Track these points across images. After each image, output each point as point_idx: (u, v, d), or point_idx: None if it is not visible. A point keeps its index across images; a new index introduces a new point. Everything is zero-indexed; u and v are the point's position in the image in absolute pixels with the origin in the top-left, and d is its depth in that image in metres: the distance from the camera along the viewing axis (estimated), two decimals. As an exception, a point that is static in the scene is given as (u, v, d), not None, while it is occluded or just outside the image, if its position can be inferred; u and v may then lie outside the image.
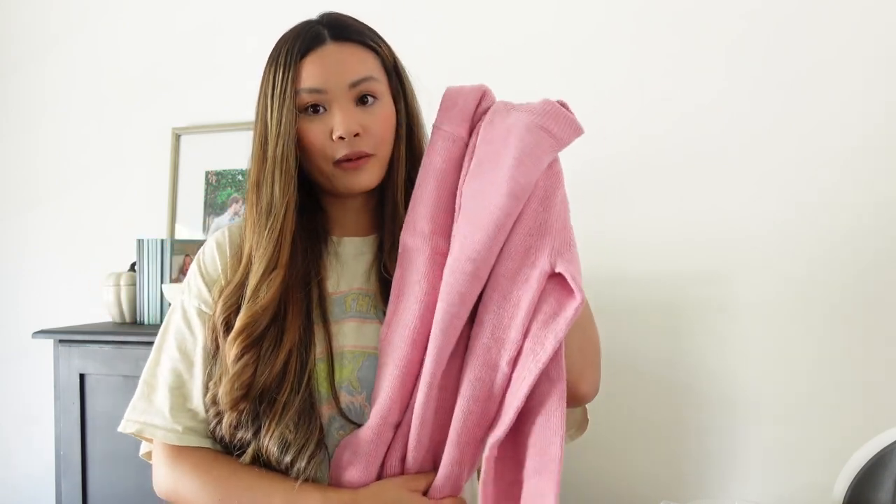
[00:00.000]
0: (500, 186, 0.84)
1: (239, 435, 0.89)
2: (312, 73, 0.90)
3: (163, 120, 2.07)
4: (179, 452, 0.92)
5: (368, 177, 0.94)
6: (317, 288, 0.94)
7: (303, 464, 0.85)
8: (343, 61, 0.92)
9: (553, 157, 0.88)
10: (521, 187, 0.84)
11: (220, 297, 0.93)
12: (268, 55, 0.95)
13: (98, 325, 1.81)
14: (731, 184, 1.57)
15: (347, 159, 0.92)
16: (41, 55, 2.23)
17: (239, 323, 0.89)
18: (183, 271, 1.78)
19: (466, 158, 0.90)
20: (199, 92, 2.05)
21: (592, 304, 0.92)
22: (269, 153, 0.91)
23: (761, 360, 1.55)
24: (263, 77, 0.94)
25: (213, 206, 2.02)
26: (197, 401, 0.93)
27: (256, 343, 0.88)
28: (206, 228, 2.01)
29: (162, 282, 1.77)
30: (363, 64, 0.93)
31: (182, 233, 2.04)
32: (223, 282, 0.95)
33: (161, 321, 1.58)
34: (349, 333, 0.93)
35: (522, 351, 0.82)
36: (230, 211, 2.00)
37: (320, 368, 0.90)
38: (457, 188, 0.90)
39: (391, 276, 0.91)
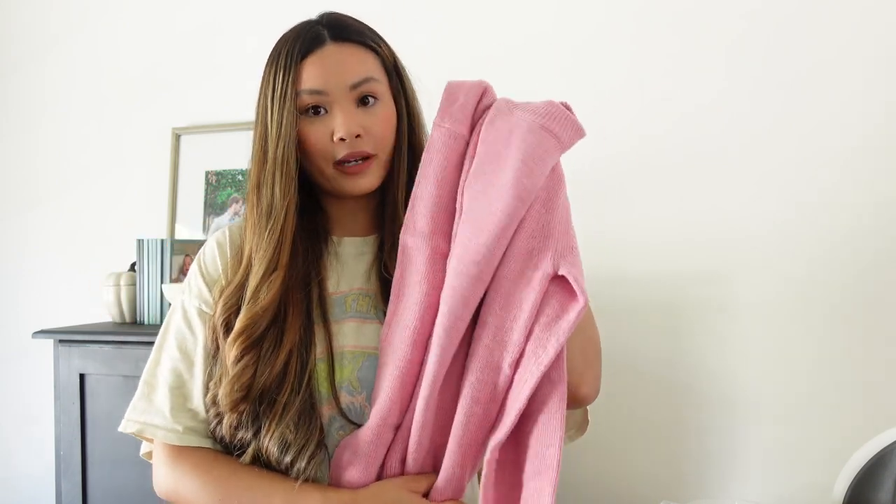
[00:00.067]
0: (504, 189, 0.83)
1: (239, 435, 0.89)
2: (313, 74, 0.90)
3: (163, 120, 2.07)
4: (180, 452, 0.92)
5: (369, 180, 0.94)
6: (317, 288, 0.94)
7: (303, 464, 0.85)
8: (343, 62, 0.91)
9: (556, 160, 0.88)
10: (526, 190, 0.83)
11: (220, 297, 0.93)
12: (268, 55, 0.94)
13: (98, 325, 1.81)
14: (731, 184, 1.57)
15: (348, 160, 0.92)
16: (41, 55, 2.23)
17: (239, 324, 0.89)
18: (183, 271, 1.78)
19: (467, 157, 0.90)
20: (199, 92, 2.05)
21: (592, 304, 0.92)
22: (270, 155, 0.91)
23: (761, 360, 1.55)
24: (263, 78, 0.94)
25: (213, 206, 2.02)
26: (197, 401, 0.93)
27: (256, 344, 0.88)
28: (206, 228, 2.01)
29: (162, 282, 1.77)
30: (363, 65, 0.93)
31: (182, 233, 2.04)
32: (223, 282, 0.95)
33: (161, 321, 1.59)
34: (349, 333, 0.93)
35: (524, 353, 0.82)
36: (230, 211, 2.00)
37: (320, 369, 0.90)
38: (457, 187, 0.89)
39: (392, 277, 0.91)
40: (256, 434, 0.88)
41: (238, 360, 0.88)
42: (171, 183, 2.06)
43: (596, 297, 0.87)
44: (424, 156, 0.91)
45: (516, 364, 0.83)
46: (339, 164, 0.92)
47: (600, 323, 0.95)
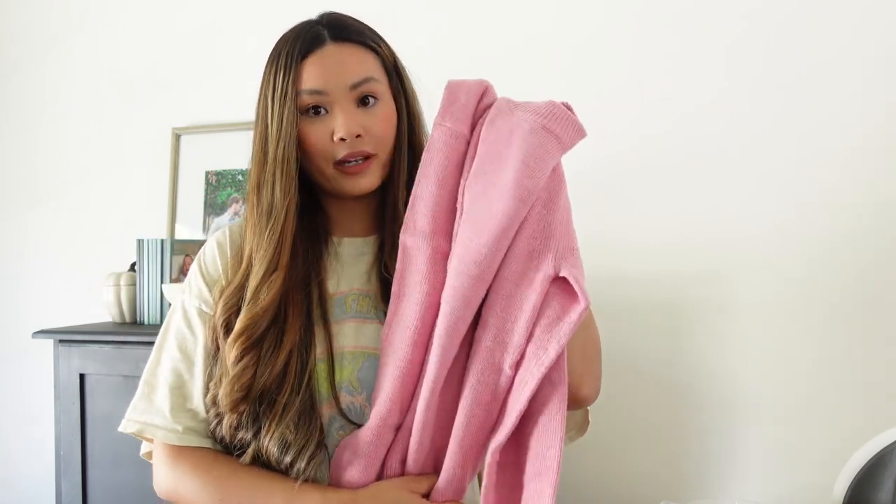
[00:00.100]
0: (505, 190, 0.83)
1: (239, 435, 0.89)
2: (313, 74, 0.90)
3: (163, 120, 2.07)
4: (180, 452, 0.92)
5: (369, 180, 0.94)
6: (317, 289, 0.94)
7: (302, 464, 0.85)
8: (343, 62, 0.91)
9: (557, 160, 0.88)
10: (527, 191, 0.83)
11: (220, 297, 0.93)
12: (268, 55, 0.94)
13: (98, 325, 1.81)
14: (731, 184, 1.57)
15: (348, 160, 0.92)
16: (41, 55, 2.23)
17: (239, 325, 0.89)
18: (183, 271, 1.78)
19: (468, 157, 0.89)
20: (199, 92, 2.05)
21: (592, 304, 0.92)
22: (270, 155, 0.91)
23: (761, 361, 1.55)
24: (264, 78, 0.94)
25: (213, 206, 2.02)
26: (197, 401, 0.93)
27: (257, 345, 0.88)
28: (206, 228, 2.01)
29: (162, 282, 1.77)
30: (363, 65, 0.93)
31: (182, 233, 2.04)
32: (224, 282, 0.95)
33: (161, 321, 1.59)
34: (349, 334, 0.93)
35: (525, 354, 0.82)
36: (230, 211, 2.00)
37: (320, 369, 0.90)
38: (458, 187, 0.89)
39: (392, 277, 0.91)
40: (256, 434, 0.88)
41: (238, 360, 0.88)
42: (171, 183, 2.06)
43: (596, 297, 0.87)
44: (425, 155, 0.90)
45: (517, 365, 0.83)
46: (340, 163, 0.92)
47: (600, 323, 0.95)
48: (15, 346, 2.16)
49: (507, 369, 0.83)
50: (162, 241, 1.78)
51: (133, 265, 1.82)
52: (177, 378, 0.94)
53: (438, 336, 0.84)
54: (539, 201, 0.86)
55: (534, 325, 0.82)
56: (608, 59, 1.68)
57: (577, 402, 0.91)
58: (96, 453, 1.66)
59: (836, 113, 1.51)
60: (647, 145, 1.64)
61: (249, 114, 0.98)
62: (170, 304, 1.64)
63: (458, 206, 0.88)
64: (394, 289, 0.89)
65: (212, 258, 0.99)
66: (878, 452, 1.08)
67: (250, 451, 0.88)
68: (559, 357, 0.81)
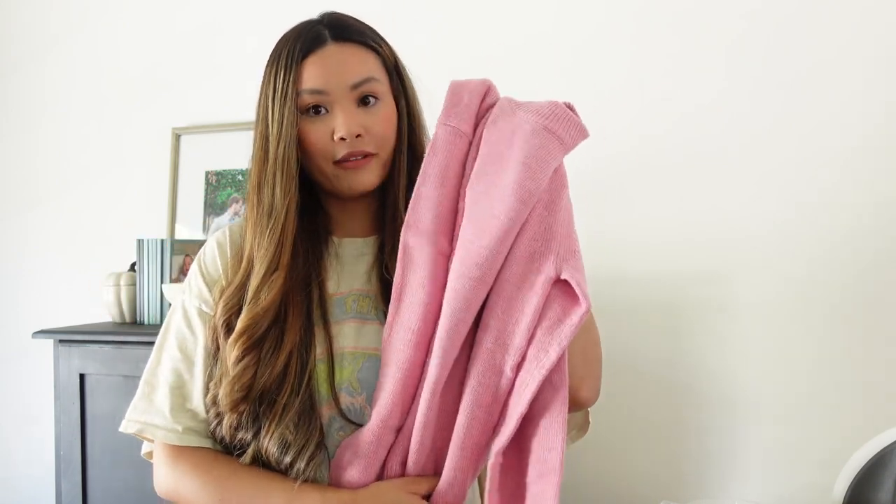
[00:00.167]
0: (507, 191, 0.83)
1: (239, 436, 0.89)
2: (314, 74, 0.90)
3: (163, 120, 2.07)
4: (180, 452, 0.92)
5: (370, 176, 0.94)
6: (317, 289, 0.94)
7: (302, 464, 0.85)
8: (344, 62, 0.91)
9: (558, 161, 0.88)
10: (528, 193, 0.83)
11: (220, 298, 0.93)
12: (268, 55, 0.94)
13: (98, 325, 1.81)
14: (731, 184, 1.57)
15: (348, 158, 0.92)
16: (41, 55, 2.23)
17: (240, 325, 0.89)
18: (183, 271, 1.78)
19: (470, 157, 0.89)
20: (199, 92, 2.05)
21: (592, 304, 0.92)
22: (271, 154, 0.91)
23: (761, 360, 1.55)
24: (264, 77, 0.94)
25: (213, 206, 2.02)
26: (197, 401, 0.93)
27: (257, 345, 0.88)
28: (206, 228, 2.01)
29: (162, 282, 1.77)
30: (364, 65, 0.93)
31: (182, 233, 2.04)
32: (224, 282, 0.95)
33: (161, 321, 1.59)
34: (349, 335, 0.93)
35: (526, 356, 0.82)
36: (230, 211, 2.00)
37: (320, 369, 0.90)
38: (460, 186, 0.89)
39: (392, 278, 0.91)
40: (256, 434, 0.88)
41: (239, 360, 0.88)
42: (171, 183, 2.06)
43: (596, 297, 0.87)
44: (428, 154, 0.90)
45: (518, 367, 0.82)
46: (339, 162, 0.92)
47: (600, 323, 0.95)
48: (15, 346, 2.16)
49: (507, 371, 0.83)
50: (162, 241, 1.78)
51: (133, 265, 1.82)
52: (177, 378, 0.94)
53: (439, 338, 0.84)
54: (540, 203, 0.86)
55: (535, 328, 0.82)
56: (608, 59, 1.68)
57: (576, 405, 0.91)
58: (96, 453, 1.66)
59: (836, 113, 1.51)
60: (647, 145, 1.64)
61: (249, 114, 0.98)
62: (170, 304, 1.64)
63: (460, 206, 0.88)
64: (394, 289, 0.89)
65: (212, 258, 0.99)
66: (878, 452, 1.08)
67: (250, 451, 0.88)
68: (560, 359, 0.81)
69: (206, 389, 0.92)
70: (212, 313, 0.94)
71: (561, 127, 0.86)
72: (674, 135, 1.62)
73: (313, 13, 0.97)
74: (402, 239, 0.89)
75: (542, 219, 0.85)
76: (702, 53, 1.60)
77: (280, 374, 0.88)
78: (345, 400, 0.90)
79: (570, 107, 0.88)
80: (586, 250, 0.88)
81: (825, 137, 1.51)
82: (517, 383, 0.82)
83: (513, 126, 0.87)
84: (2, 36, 2.28)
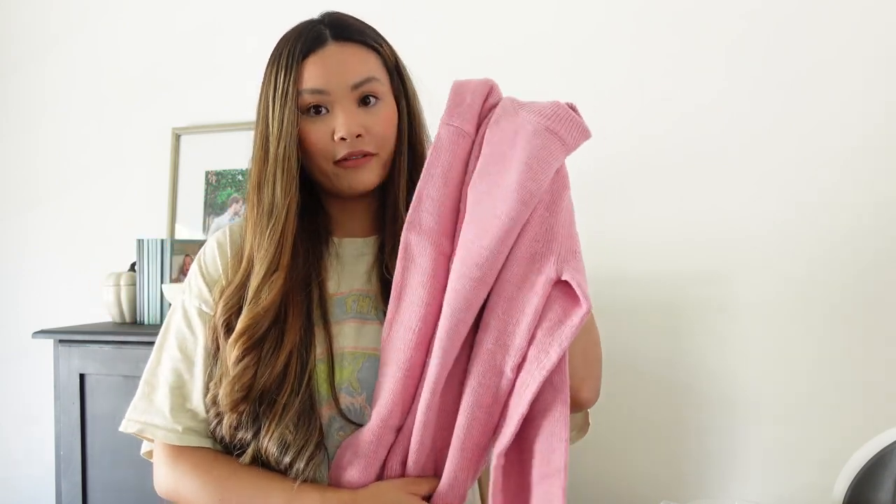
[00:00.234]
0: (509, 191, 0.83)
1: (239, 435, 0.89)
2: (314, 73, 0.90)
3: (163, 120, 2.07)
4: (180, 452, 0.92)
5: (370, 175, 0.94)
6: (317, 289, 0.93)
7: (301, 464, 0.85)
8: (345, 62, 0.91)
9: (560, 162, 0.88)
10: (530, 194, 0.83)
11: (220, 298, 0.93)
12: (269, 55, 0.94)
13: (98, 325, 1.81)
14: (731, 184, 1.57)
15: (348, 158, 0.92)
16: (41, 55, 2.23)
17: (240, 325, 0.89)
18: (183, 271, 1.78)
19: (472, 157, 0.89)
20: (199, 92, 2.05)
21: (593, 304, 0.92)
22: (271, 154, 0.91)
23: (761, 360, 1.55)
24: (265, 77, 0.94)
25: (213, 206, 2.02)
26: (197, 401, 0.93)
27: (257, 345, 0.88)
28: (206, 228, 2.01)
29: (162, 282, 1.77)
30: (365, 64, 0.93)
31: (182, 233, 2.04)
32: (224, 282, 0.95)
33: (161, 321, 1.59)
34: (349, 334, 0.93)
35: (527, 357, 0.82)
36: (230, 211, 2.00)
37: (320, 369, 0.90)
38: (462, 186, 0.89)
39: (392, 278, 0.90)
40: (256, 434, 0.88)
41: (239, 360, 0.88)
42: (171, 183, 2.06)
43: (596, 297, 0.87)
44: (431, 154, 0.90)
45: (519, 368, 0.82)
46: (339, 161, 0.92)
47: (600, 323, 0.95)
48: (15, 346, 2.16)
49: (508, 372, 0.83)
50: (162, 241, 1.78)
51: (133, 265, 1.82)
52: (177, 378, 0.94)
53: (439, 338, 0.84)
54: (542, 203, 0.85)
55: (535, 328, 0.82)
56: (608, 59, 1.68)
57: (577, 405, 0.91)
58: (96, 453, 1.66)
59: (836, 113, 1.51)
60: (647, 145, 1.64)
61: (249, 114, 0.98)
62: (170, 304, 1.64)
63: (462, 206, 0.88)
64: (394, 288, 0.89)
65: (212, 258, 0.99)
66: (878, 452, 1.08)
67: (250, 451, 0.88)
68: (561, 360, 0.81)
69: (206, 389, 0.92)
70: (212, 313, 0.94)
71: (563, 128, 0.86)
72: (674, 135, 1.62)
73: (314, 13, 0.97)
74: (402, 238, 0.89)
75: (543, 220, 0.85)
76: (702, 53, 1.60)
77: (280, 374, 0.88)
78: (345, 400, 0.90)
79: (572, 107, 0.88)
80: (586, 250, 0.88)
81: (825, 137, 1.51)
82: (518, 384, 0.82)
83: (515, 126, 0.87)
84: (2, 36, 2.28)
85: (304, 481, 0.86)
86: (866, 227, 1.48)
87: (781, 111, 1.54)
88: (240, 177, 1.99)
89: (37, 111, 2.23)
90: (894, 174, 1.47)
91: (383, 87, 0.94)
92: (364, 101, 0.92)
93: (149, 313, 1.78)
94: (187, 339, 0.96)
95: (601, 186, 1.64)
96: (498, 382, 0.83)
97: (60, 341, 1.69)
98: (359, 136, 0.91)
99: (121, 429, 0.96)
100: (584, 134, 0.88)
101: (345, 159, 0.92)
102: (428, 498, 0.86)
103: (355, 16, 0.97)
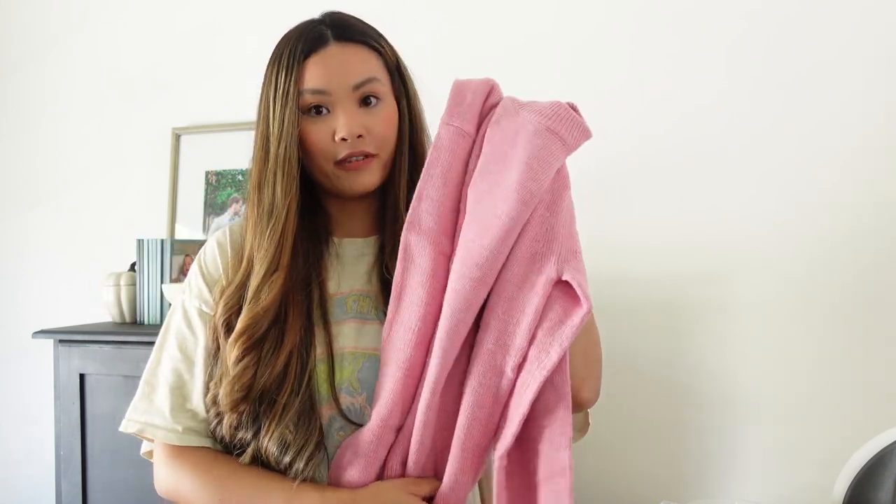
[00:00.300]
0: (509, 191, 0.83)
1: (239, 435, 0.89)
2: (315, 74, 0.90)
3: (163, 120, 2.07)
4: (180, 452, 0.92)
5: (370, 177, 0.93)
6: (318, 289, 0.93)
7: (301, 464, 0.85)
8: (346, 62, 0.91)
9: (561, 162, 0.88)
10: (530, 194, 0.83)
11: (220, 297, 0.93)
12: (270, 54, 0.94)
13: (98, 325, 1.81)
14: (731, 184, 1.57)
15: (349, 159, 0.92)
16: (41, 55, 2.23)
17: (240, 325, 0.89)
18: (183, 271, 1.78)
19: (473, 156, 0.89)
20: (199, 92, 2.05)
21: (593, 304, 0.92)
22: (272, 154, 0.91)
23: (761, 360, 1.55)
24: (266, 77, 0.94)
25: (213, 206, 2.02)
26: (197, 401, 0.93)
27: (257, 345, 0.88)
28: (206, 228, 2.01)
29: (162, 282, 1.77)
30: (366, 65, 0.92)
31: (182, 233, 2.04)
32: (224, 282, 0.95)
33: (161, 321, 1.59)
34: (349, 335, 0.93)
35: (527, 357, 0.82)
36: (230, 211, 2.00)
37: (320, 370, 0.90)
38: (462, 186, 0.89)
39: (393, 278, 0.90)
40: (256, 434, 0.88)
41: (239, 360, 0.88)
42: (171, 183, 2.06)
43: (596, 297, 0.87)
44: (432, 153, 0.90)
45: (519, 368, 0.82)
46: (340, 162, 0.92)
47: (600, 323, 0.95)
48: (15, 346, 2.16)
49: (508, 372, 0.83)
50: (162, 241, 1.78)
51: (133, 265, 1.82)
52: (177, 378, 0.94)
53: (439, 338, 0.84)
54: (542, 203, 0.85)
55: (536, 328, 0.82)
56: (608, 59, 1.68)
57: (577, 406, 0.91)
58: (96, 453, 1.66)
59: (836, 113, 1.51)
60: (647, 145, 1.64)
61: (249, 114, 0.98)
62: (170, 304, 1.64)
63: (462, 206, 0.88)
64: (394, 288, 0.89)
65: (212, 258, 0.99)
66: (878, 452, 1.08)
67: (250, 450, 0.88)
68: (561, 360, 0.81)
69: (207, 389, 0.92)
70: (212, 313, 0.94)
71: (564, 128, 0.86)
72: (674, 135, 1.62)
73: (314, 13, 0.97)
74: (403, 238, 0.89)
75: (543, 220, 0.85)
76: (702, 53, 1.60)
77: (280, 374, 0.88)
78: (345, 400, 0.90)
79: (573, 107, 0.88)
80: (587, 250, 0.88)
81: (825, 137, 1.51)
82: (518, 384, 0.82)
83: (516, 126, 0.87)
84: (2, 36, 2.28)
85: (304, 481, 0.86)
86: (866, 227, 1.48)
87: (781, 111, 1.54)
88: (240, 177, 1.99)
89: (37, 111, 2.23)
90: (894, 174, 1.47)
91: (384, 87, 0.94)
92: (365, 101, 0.92)
93: (149, 313, 1.78)
94: (187, 339, 0.96)
95: (601, 186, 1.64)
96: (498, 382, 0.83)
97: (60, 341, 1.69)
98: (360, 136, 0.91)
99: (121, 429, 0.96)
100: (585, 134, 0.88)
101: (346, 161, 0.92)
102: (428, 499, 0.86)
103: (356, 16, 0.97)
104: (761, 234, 1.55)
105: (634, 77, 1.65)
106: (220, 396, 0.88)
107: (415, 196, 0.89)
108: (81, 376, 1.66)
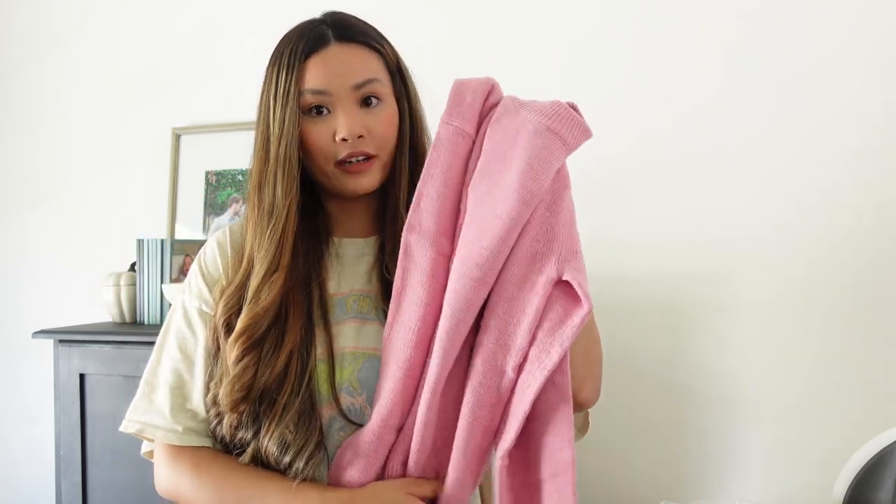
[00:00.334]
0: (509, 191, 0.83)
1: (239, 435, 0.89)
2: (316, 74, 0.90)
3: (163, 120, 2.07)
4: (180, 452, 0.92)
5: (370, 179, 0.94)
6: (318, 289, 0.93)
7: (301, 464, 0.85)
8: (347, 63, 0.91)
9: (561, 162, 0.88)
10: (531, 194, 0.83)
11: (220, 297, 0.93)
12: (270, 54, 0.94)
13: (98, 325, 1.81)
14: (731, 184, 1.57)
15: (349, 160, 0.92)
16: (41, 55, 2.23)
17: (240, 324, 0.89)
18: (183, 271, 1.78)
19: (473, 156, 0.89)
20: (199, 92, 2.05)
21: (593, 304, 0.92)
22: (272, 154, 0.91)
23: (761, 360, 1.55)
24: (266, 77, 0.94)
25: (213, 206, 2.02)
26: (197, 401, 0.93)
27: (257, 345, 0.88)
28: (206, 228, 2.01)
29: (162, 282, 1.77)
30: (367, 65, 0.92)
31: (182, 233, 2.04)
32: (224, 282, 0.95)
33: (161, 321, 1.59)
34: (350, 335, 0.93)
35: (528, 357, 0.82)
36: (230, 211, 2.00)
37: (321, 370, 0.90)
38: (462, 186, 0.89)
39: (393, 278, 0.90)
40: (256, 434, 0.88)
41: (239, 360, 0.88)
42: (171, 183, 2.06)
43: (596, 297, 0.87)
44: (431, 153, 0.90)
45: (520, 368, 0.82)
46: (341, 163, 0.92)
47: (600, 323, 0.95)
48: (15, 346, 2.16)
49: (509, 371, 0.83)
50: (162, 241, 1.78)
51: (133, 265, 1.82)
52: (177, 378, 0.94)
53: (440, 338, 0.84)
54: (542, 203, 0.85)
55: (536, 329, 0.82)
56: (608, 59, 1.68)
57: (577, 405, 0.91)
58: (96, 453, 1.66)
59: (836, 113, 1.51)
60: (647, 145, 1.64)
61: (249, 114, 0.98)
62: (170, 304, 1.64)
63: (462, 206, 0.88)
64: (395, 288, 0.89)
65: (212, 258, 0.98)
66: (878, 452, 1.08)
67: (250, 450, 0.88)
68: (562, 360, 0.81)
69: (207, 389, 0.92)
70: (212, 313, 0.94)
71: (564, 127, 0.86)
72: (674, 135, 1.62)
73: (314, 13, 0.97)
74: (403, 239, 0.89)
75: (544, 219, 0.85)
76: (702, 53, 1.60)
77: (280, 374, 0.88)
78: (345, 400, 0.90)
79: (573, 107, 0.88)
80: (587, 250, 0.88)
81: (825, 137, 1.51)
82: (519, 384, 0.82)
83: (516, 125, 0.87)
84: (2, 36, 2.28)
85: (304, 481, 0.86)
86: (866, 227, 1.48)
87: (781, 111, 1.54)
88: (240, 177, 1.99)
89: (37, 111, 2.23)
90: (894, 174, 1.47)
91: (385, 88, 0.94)
92: (365, 101, 0.92)
93: (149, 313, 1.78)
94: (187, 339, 0.96)
95: (601, 186, 1.64)
96: (499, 382, 0.83)
97: (60, 341, 1.69)
98: (360, 136, 0.91)
99: (121, 429, 0.96)
100: (586, 133, 0.88)
101: (347, 162, 0.92)
102: (429, 500, 0.86)
103: (356, 16, 0.97)
104: (761, 234, 1.55)
105: (634, 77, 1.65)
106: (220, 396, 0.89)
107: (415, 196, 0.89)
108: (81, 376, 1.66)
